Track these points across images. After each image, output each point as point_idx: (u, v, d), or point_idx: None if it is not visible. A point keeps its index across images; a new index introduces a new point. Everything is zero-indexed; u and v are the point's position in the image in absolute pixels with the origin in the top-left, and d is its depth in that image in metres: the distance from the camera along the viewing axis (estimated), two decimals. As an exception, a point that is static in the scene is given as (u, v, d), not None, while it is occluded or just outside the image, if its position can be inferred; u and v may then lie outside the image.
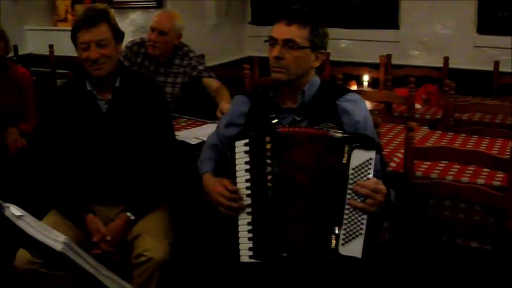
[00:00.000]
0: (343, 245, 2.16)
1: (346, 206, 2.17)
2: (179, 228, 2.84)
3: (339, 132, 2.21)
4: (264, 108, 2.45)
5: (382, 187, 2.18)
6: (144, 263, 2.53)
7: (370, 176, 2.16)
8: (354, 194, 2.16)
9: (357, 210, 2.16)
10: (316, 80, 2.47)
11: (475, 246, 2.68)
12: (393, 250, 2.66)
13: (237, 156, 2.29)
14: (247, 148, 2.27)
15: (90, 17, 2.64)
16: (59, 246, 1.54)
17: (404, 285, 2.50)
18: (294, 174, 2.21)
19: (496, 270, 2.53)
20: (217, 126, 2.70)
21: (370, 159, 2.16)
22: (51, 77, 5.19)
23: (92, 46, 2.64)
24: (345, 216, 2.16)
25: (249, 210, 2.27)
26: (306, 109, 2.40)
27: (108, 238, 2.61)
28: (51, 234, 1.56)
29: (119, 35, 2.76)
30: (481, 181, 2.68)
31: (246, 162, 2.27)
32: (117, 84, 2.76)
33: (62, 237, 1.57)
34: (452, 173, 2.78)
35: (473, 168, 2.79)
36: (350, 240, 2.16)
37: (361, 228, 2.16)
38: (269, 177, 2.23)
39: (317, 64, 2.43)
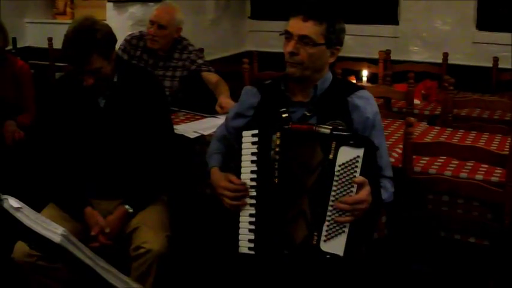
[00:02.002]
0: (325, 241, 2.17)
1: (330, 203, 2.17)
2: (178, 221, 2.84)
3: (327, 128, 2.21)
4: (274, 102, 2.43)
5: (364, 197, 2.15)
6: (143, 256, 2.53)
7: (357, 174, 2.15)
8: (339, 189, 2.16)
9: (340, 212, 2.16)
10: (329, 75, 2.46)
11: (473, 241, 2.67)
12: (392, 246, 2.65)
13: (243, 146, 2.29)
14: (255, 139, 2.27)
15: (78, 52, 2.56)
16: (57, 239, 1.53)
17: (403, 280, 2.50)
18: (297, 171, 2.22)
19: (494, 266, 2.53)
20: (226, 118, 2.69)
21: (358, 156, 2.15)
22: (50, 70, 5.17)
23: (85, 76, 2.62)
24: (328, 213, 2.17)
25: (252, 202, 2.28)
26: (317, 104, 2.39)
27: (107, 231, 2.62)
28: (50, 227, 1.55)
29: (109, 51, 2.67)
30: (479, 177, 2.68)
31: (253, 154, 2.27)
32: (115, 79, 2.74)
33: (60, 230, 1.57)
34: (450, 168, 2.77)
35: (472, 164, 2.79)
36: (332, 237, 2.17)
37: (344, 227, 2.17)
38: (276, 173, 2.23)
39: (332, 60, 2.41)
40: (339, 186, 2.16)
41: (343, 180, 2.16)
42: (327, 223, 2.17)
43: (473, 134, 3.35)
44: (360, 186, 2.16)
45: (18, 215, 1.62)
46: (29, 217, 1.59)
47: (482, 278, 2.48)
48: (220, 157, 2.59)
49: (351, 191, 2.16)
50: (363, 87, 2.50)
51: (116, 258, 2.50)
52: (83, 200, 2.71)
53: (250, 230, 2.27)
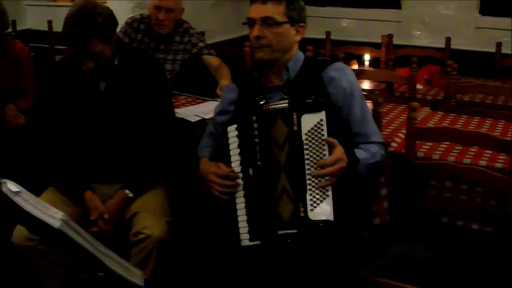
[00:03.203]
0: (312, 210, 2.19)
1: (307, 172, 2.20)
2: (178, 206, 2.83)
3: (284, 103, 2.28)
4: (251, 91, 2.46)
5: (339, 155, 2.19)
6: (143, 241, 2.52)
7: (325, 136, 2.18)
8: (312, 157, 2.20)
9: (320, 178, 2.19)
10: (300, 55, 2.48)
11: (475, 228, 2.65)
12: (393, 231, 2.64)
13: (230, 141, 2.33)
14: (237, 132, 2.30)
15: (78, 36, 2.53)
16: (56, 224, 1.51)
17: (405, 265, 2.49)
18: (275, 151, 2.26)
19: (497, 253, 2.52)
20: (213, 115, 2.72)
21: (321, 120, 2.20)
22: (50, 53, 5.14)
23: (86, 60, 2.59)
24: (308, 182, 2.20)
25: (244, 192, 2.30)
26: (292, 85, 2.41)
27: (106, 216, 2.60)
28: (49, 211, 1.53)
29: (110, 34, 2.63)
30: (483, 163, 2.66)
31: (238, 146, 2.31)
32: (116, 62, 2.72)
33: (59, 214, 1.55)
34: (454, 154, 2.76)
35: (475, 150, 2.77)
36: (318, 204, 2.20)
37: (326, 190, 2.20)
38: (258, 156, 2.27)
39: (298, 38, 2.44)
40: (311, 154, 2.21)
41: (313, 146, 2.21)
42: (309, 192, 2.20)
43: (477, 120, 3.33)
44: (331, 146, 2.20)
45: (17, 199, 1.61)
46: (28, 201, 1.57)
47: (485, 265, 2.47)
48: (210, 149, 2.61)
49: (324, 155, 2.20)
50: (336, 61, 2.53)
51: (116, 243, 2.52)
52: (82, 184, 2.69)
53: (247, 221, 2.28)
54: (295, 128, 2.22)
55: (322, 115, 2.20)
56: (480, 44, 5.74)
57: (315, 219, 2.18)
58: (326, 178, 2.19)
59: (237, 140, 2.30)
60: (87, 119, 2.69)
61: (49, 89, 2.79)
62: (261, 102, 2.38)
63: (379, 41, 5.36)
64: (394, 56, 4.96)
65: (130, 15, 4.15)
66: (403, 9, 6.17)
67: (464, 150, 2.78)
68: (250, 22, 2.38)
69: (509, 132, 3.01)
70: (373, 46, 5.35)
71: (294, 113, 2.22)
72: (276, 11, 2.33)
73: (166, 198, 2.76)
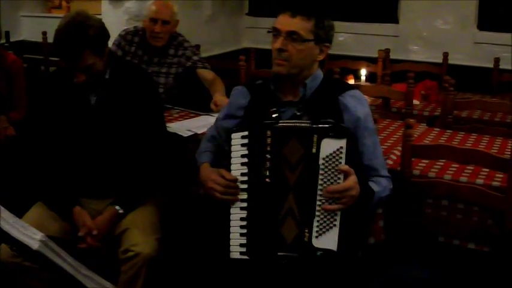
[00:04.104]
0: (316, 237, 2.14)
1: (318, 198, 2.14)
2: (169, 222, 2.78)
3: (307, 123, 2.19)
4: (264, 102, 2.39)
5: (352, 184, 2.14)
6: (131, 259, 2.47)
7: (342, 164, 2.13)
8: (326, 183, 2.14)
9: (330, 201, 2.14)
10: (319, 74, 2.41)
11: (472, 247, 2.62)
12: (389, 250, 2.60)
13: (232, 148, 2.25)
14: (245, 141, 2.23)
15: (70, 48, 2.49)
16: (35, 245, 1.46)
17: (400, 285, 2.44)
18: (285, 170, 2.19)
19: (494, 273, 2.47)
20: (217, 118, 2.65)
21: (341, 147, 2.14)
22: (44, 65, 5.10)
23: (77, 72, 2.55)
24: (317, 208, 2.15)
25: (243, 205, 2.23)
26: (307, 103, 2.35)
27: (95, 232, 2.55)
28: (28, 232, 1.48)
29: (102, 47, 2.59)
30: (480, 181, 2.62)
31: (243, 156, 2.23)
32: (107, 76, 2.67)
33: (39, 235, 1.50)
34: (450, 172, 2.72)
35: (472, 168, 2.73)
36: (324, 232, 2.15)
37: (334, 220, 2.15)
38: (267, 172, 2.20)
39: (321, 58, 2.38)
40: (325, 180, 2.15)
41: (329, 173, 2.15)
42: (317, 218, 2.15)
43: (474, 137, 3.30)
44: (346, 175, 2.14)
45: (-4, 218, 1.55)
46: (7, 221, 1.52)
47: (482, 286, 2.42)
48: (210, 155, 2.54)
49: (338, 183, 2.14)
50: (354, 87, 2.48)
51: (105, 260, 2.48)
52: (71, 199, 2.64)
53: (241, 235, 2.22)
54: (314, 150, 2.15)
55: (343, 142, 2.13)
56: (478, 60, 5.73)
57: (318, 246, 2.14)
58: (336, 202, 2.13)
59: (243, 149, 2.22)
60: (77, 132, 2.65)
61: (40, 101, 2.76)
62: (274, 115, 2.31)
63: (376, 55, 5.34)
64: (391, 71, 4.94)
65: (125, 28, 4.11)
66: (401, 23, 6.15)
67: (461, 168, 2.75)
68: (275, 32, 2.31)
69: (507, 150, 2.96)
70: (369, 61, 5.32)
71: (315, 135, 2.15)
72: (303, 27, 2.27)
73: (156, 214, 2.71)
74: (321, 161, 2.14)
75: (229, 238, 2.22)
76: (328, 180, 2.14)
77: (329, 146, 2.14)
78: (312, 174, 2.15)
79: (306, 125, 2.19)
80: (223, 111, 2.60)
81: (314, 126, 2.16)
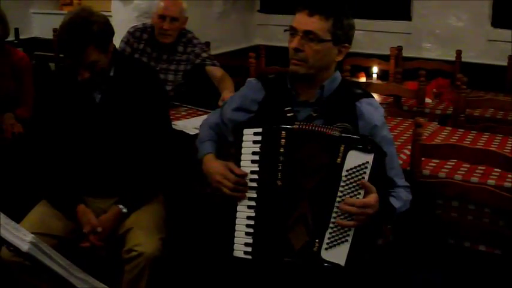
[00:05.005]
0: (326, 249, 2.09)
1: (335, 209, 2.08)
2: (174, 221, 2.75)
3: (337, 131, 2.11)
4: (279, 99, 2.32)
5: (372, 202, 2.07)
6: (135, 258, 2.45)
7: (365, 180, 2.06)
8: (345, 195, 2.08)
9: (346, 215, 2.07)
10: (337, 76, 2.35)
11: (483, 250, 2.59)
12: (397, 253, 2.55)
13: (244, 144, 2.19)
14: (258, 138, 2.17)
15: (74, 44, 2.46)
16: (25, 247, 1.43)
17: (408, 288, 2.41)
18: (300, 175, 2.12)
19: (505, 276, 2.42)
20: (223, 107, 2.57)
21: (367, 162, 2.06)
22: (54, 62, 5.09)
23: (81, 69, 2.52)
24: (332, 220, 2.08)
25: (251, 204, 2.18)
26: (324, 105, 2.28)
27: (100, 229, 2.52)
28: (19, 233, 1.45)
29: (106, 43, 2.56)
30: (491, 182, 2.58)
31: (254, 153, 2.18)
32: (112, 73, 2.65)
33: (29, 237, 1.46)
34: (461, 172, 2.69)
35: (484, 168, 2.70)
36: (335, 245, 2.09)
37: (347, 235, 2.09)
38: (279, 174, 2.14)
39: (339, 58, 2.30)
40: (345, 192, 2.08)
41: (350, 186, 2.07)
42: (329, 230, 2.09)
43: (486, 136, 3.26)
44: (367, 192, 2.07)
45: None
46: (-2, 222, 1.49)
47: (493, 289, 2.39)
48: (214, 144, 2.47)
49: (357, 198, 2.07)
50: (372, 95, 2.40)
51: (108, 259, 2.46)
52: (75, 197, 2.62)
53: (247, 233, 2.18)
54: (339, 160, 2.07)
55: (369, 158, 2.06)
56: (492, 57, 5.67)
57: (326, 259, 2.09)
58: (351, 218, 2.07)
59: (255, 146, 2.16)
60: (82, 130, 2.63)
61: (45, 99, 2.73)
62: (289, 115, 2.25)
63: (388, 53, 5.29)
64: (403, 68, 4.90)
65: (135, 24, 4.09)
66: (413, 20, 6.11)
67: (472, 169, 2.71)
68: (292, 31, 2.24)
69: (520, 150, 2.92)
70: (381, 58, 5.29)
71: (343, 145, 2.07)
72: (321, 27, 2.20)
73: (161, 214, 2.68)
74: (343, 173, 2.07)
75: (233, 235, 2.18)
76: (348, 193, 2.08)
77: (355, 159, 2.07)
78: (333, 184, 2.08)
79: (334, 132, 2.10)
80: (234, 102, 2.49)
81: (343, 135, 2.09)
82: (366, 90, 2.42)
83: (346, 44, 2.29)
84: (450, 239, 2.62)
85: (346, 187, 2.07)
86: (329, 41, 2.22)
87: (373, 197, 2.07)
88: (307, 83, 2.30)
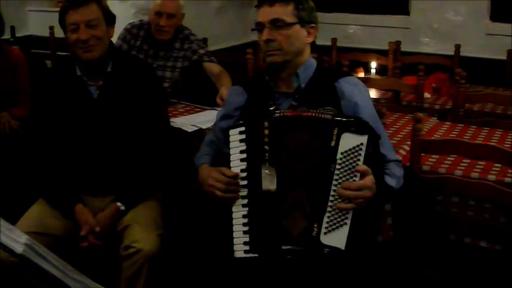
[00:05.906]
0: (325, 234, 2.09)
1: (332, 193, 2.08)
2: (172, 218, 2.75)
3: (329, 114, 2.12)
4: (260, 96, 2.36)
5: (368, 184, 2.08)
6: (133, 255, 2.43)
7: (360, 163, 2.07)
8: (341, 179, 2.08)
9: (343, 198, 2.07)
10: (312, 62, 2.38)
11: (484, 245, 2.58)
12: (397, 248, 2.55)
13: (231, 145, 2.21)
14: (243, 136, 2.18)
15: None
16: (19, 249, 1.41)
17: (408, 285, 2.38)
18: (288, 162, 2.13)
19: (506, 272, 2.41)
20: (214, 123, 2.61)
21: (361, 144, 2.08)
22: (51, 59, 5.08)
23: (81, 27, 2.53)
24: (330, 204, 2.09)
25: (244, 202, 2.19)
26: (303, 93, 2.32)
27: (97, 229, 2.51)
28: (13, 234, 1.43)
29: (109, 16, 2.64)
30: (491, 177, 2.57)
31: (242, 151, 2.18)
32: (109, 69, 2.64)
33: (23, 238, 1.44)
34: (461, 168, 2.67)
35: (484, 163, 2.68)
36: (333, 229, 2.09)
37: (346, 218, 2.08)
38: (267, 164, 2.14)
39: (310, 40, 2.35)
40: (340, 175, 2.09)
41: (346, 168, 2.09)
42: (327, 214, 2.09)
43: (486, 131, 3.24)
44: (363, 175, 2.08)
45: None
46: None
47: (494, 285, 2.36)
48: (210, 158, 2.51)
49: (353, 181, 2.08)
50: (350, 74, 2.45)
51: (107, 256, 2.45)
52: (73, 196, 2.60)
53: (244, 232, 2.17)
54: (333, 144, 2.08)
55: (363, 139, 2.07)
56: (491, 52, 5.66)
57: (326, 243, 2.08)
58: (348, 201, 2.07)
59: (242, 145, 2.18)
60: (79, 127, 2.61)
61: (42, 95, 2.71)
62: (271, 108, 2.28)
63: (387, 48, 5.29)
64: (401, 63, 4.90)
65: (132, 21, 4.07)
66: (412, 15, 6.10)
67: (472, 164, 2.70)
68: (259, 27, 2.30)
69: (520, 145, 2.91)
70: (380, 53, 5.29)
71: (336, 128, 2.09)
72: (284, 12, 2.26)
73: (159, 211, 2.67)
74: (338, 155, 2.08)
75: (232, 237, 2.18)
76: (344, 176, 2.08)
77: (349, 141, 2.08)
78: (328, 168, 2.09)
79: (326, 116, 2.12)
80: (221, 112, 2.56)
81: (336, 118, 2.10)
82: (343, 71, 2.44)
83: (313, 25, 2.34)
84: (451, 235, 2.61)
85: (341, 170, 2.08)
86: (296, 24, 2.28)
87: (369, 179, 2.09)
88: (286, 74, 2.34)
